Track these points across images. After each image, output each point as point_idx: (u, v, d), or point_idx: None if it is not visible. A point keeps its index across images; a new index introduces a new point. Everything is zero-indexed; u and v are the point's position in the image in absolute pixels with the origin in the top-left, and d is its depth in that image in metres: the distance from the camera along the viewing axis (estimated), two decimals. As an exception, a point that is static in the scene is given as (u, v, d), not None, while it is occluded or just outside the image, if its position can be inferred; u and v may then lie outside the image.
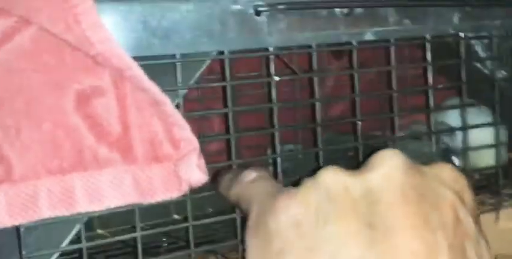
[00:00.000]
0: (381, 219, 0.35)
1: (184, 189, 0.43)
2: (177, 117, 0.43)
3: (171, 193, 0.43)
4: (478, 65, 0.83)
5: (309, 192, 0.37)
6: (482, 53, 0.82)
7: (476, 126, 0.67)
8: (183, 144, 0.43)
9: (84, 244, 0.48)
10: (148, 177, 0.43)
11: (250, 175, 0.43)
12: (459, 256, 0.35)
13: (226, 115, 0.54)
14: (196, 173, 0.43)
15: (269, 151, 0.75)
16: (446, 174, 0.38)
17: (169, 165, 0.43)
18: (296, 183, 0.41)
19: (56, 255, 0.49)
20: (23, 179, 0.41)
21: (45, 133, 0.41)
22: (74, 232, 0.49)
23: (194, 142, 0.43)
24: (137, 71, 0.41)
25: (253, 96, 0.70)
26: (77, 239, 0.49)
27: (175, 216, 0.67)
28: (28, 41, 0.41)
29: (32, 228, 0.46)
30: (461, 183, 0.39)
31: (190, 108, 0.52)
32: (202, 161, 0.43)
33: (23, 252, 0.46)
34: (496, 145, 0.67)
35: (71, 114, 0.42)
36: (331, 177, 0.37)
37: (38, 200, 0.40)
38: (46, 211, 0.41)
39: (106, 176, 0.42)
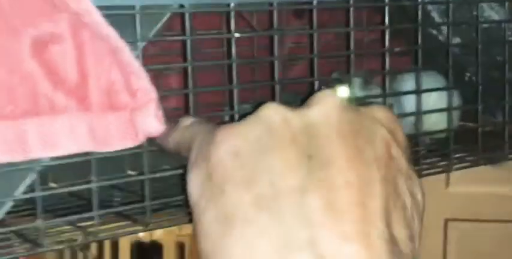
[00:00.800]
0: (319, 151, 0.36)
1: (141, 138, 0.43)
2: (135, 66, 0.42)
3: (127, 143, 0.43)
4: (434, 31, 0.84)
5: (249, 124, 0.38)
6: (438, 19, 0.83)
7: (430, 90, 0.68)
8: (140, 94, 0.43)
9: (38, 193, 0.48)
10: (104, 126, 0.42)
11: (188, 120, 0.44)
12: (391, 190, 0.36)
13: (185, 71, 0.54)
14: (153, 123, 0.43)
15: (227, 109, 0.76)
16: (381, 113, 0.40)
17: (125, 114, 0.43)
18: None
19: (9, 204, 0.49)
20: (-24, 123, 0.40)
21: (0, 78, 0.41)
22: (27, 182, 0.48)
23: (152, 93, 0.43)
24: (96, 16, 0.41)
25: (213, 53, 0.70)
26: (30, 191, 0.48)
27: (130, 172, 0.66)
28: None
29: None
30: (395, 124, 0.40)
31: (148, 63, 0.52)
32: (160, 112, 0.43)
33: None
34: (448, 109, 0.68)
35: (26, 60, 0.41)
36: (272, 111, 0.38)
37: (-9, 145, 0.40)
38: (0, 156, 0.40)
39: (60, 122, 0.41)
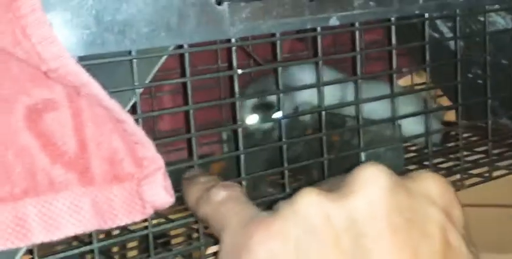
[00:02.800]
0: (367, 255, 0.32)
1: (149, 212, 0.40)
2: (140, 134, 0.39)
3: (134, 217, 0.40)
4: (437, 34, 0.81)
5: (286, 222, 0.34)
6: (441, 24, 0.80)
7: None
8: (146, 163, 0.40)
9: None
10: (109, 199, 0.39)
11: (220, 194, 0.40)
12: None
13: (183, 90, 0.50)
14: (162, 195, 0.39)
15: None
16: (432, 188, 0.36)
17: (131, 186, 0.40)
18: (270, 204, 0.38)
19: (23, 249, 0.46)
20: (-29, 209, 0.37)
21: (-7, 156, 0.37)
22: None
23: (159, 161, 0.40)
24: (95, 88, 0.37)
25: (204, 71, 0.66)
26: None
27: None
28: (-32, 51, 0.37)
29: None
30: (449, 196, 0.36)
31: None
32: (169, 182, 0.40)
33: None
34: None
35: (21, 133, 0.38)
36: (311, 205, 0.34)
37: (-12, 231, 0.37)
38: (-3, 243, 0.37)
39: (62, 201, 0.38)
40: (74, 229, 0.38)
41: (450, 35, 0.79)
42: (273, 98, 0.66)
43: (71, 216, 0.38)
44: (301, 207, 0.34)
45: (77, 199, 0.39)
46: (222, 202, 0.39)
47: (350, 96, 0.68)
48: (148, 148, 0.39)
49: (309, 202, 0.34)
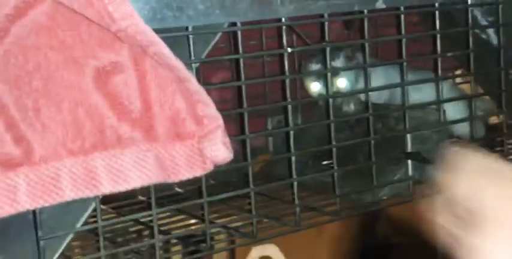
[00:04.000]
0: None
1: (209, 167, 0.42)
2: (201, 93, 0.41)
3: (195, 172, 0.42)
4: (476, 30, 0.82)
5: None
6: (481, 18, 0.81)
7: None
8: (206, 121, 0.42)
9: (100, 224, 0.47)
10: (171, 155, 0.41)
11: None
12: None
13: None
14: (221, 151, 0.42)
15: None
16: None
17: (192, 143, 0.42)
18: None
19: (72, 235, 0.48)
20: (44, 161, 0.39)
21: (66, 113, 0.40)
22: (89, 210, 0.47)
23: (218, 120, 0.42)
24: (162, 47, 0.40)
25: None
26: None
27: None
28: (43, 16, 0.39)
29: (47, 208, 0.44)
30: None
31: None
32: (227, 139, 0.42)
33: (39, 233, 0.45)
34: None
35: (90, 92, 0.40)
36: None
37: (61, 182, 0.39)
38: (69, 193, 0.39)
39: (129, 156, 0.41)
40: (139, 181, 0.41)
41: (490, 30, 0.79)
42: (338, 65, 0.67)
43: (137, 169, 0.41)
44: None
45: (142, 154, 0.41)
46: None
47: (397, 92, 0.69)
48: (209, 106, 0.41)
49: None
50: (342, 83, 0.69)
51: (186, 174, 0.42)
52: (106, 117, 0.41)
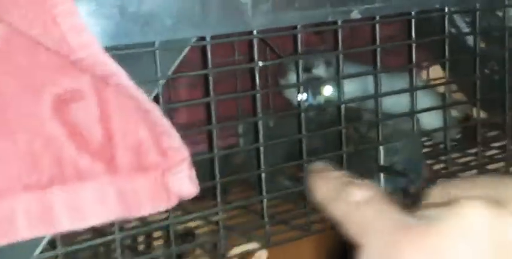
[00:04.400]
0: None
1: (174, 201, 0.40)
2: (165, 125, 0.39)
3: (158, 206, 0.40)
4: (454, 30, 0.81)
5: (449, 237, 0.28)
6: (460, 21, 0.80)
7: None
8: (171, 153, 0.40)
9: (59, 251, 0.45)
10: (134, 189, 0.39)
11: (358, 194, 0.34)
12: None
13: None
14: (187, 185, 0.40)
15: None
16: None
17: (156, 176, 0.40)
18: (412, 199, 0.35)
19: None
20: (-2, 196, 0.37)
21: (21, 144, 0.37)
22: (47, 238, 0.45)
23: (184, 152, 0.40)
24: (123, 78, 0.38)
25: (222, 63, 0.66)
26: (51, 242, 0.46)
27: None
28: (-3, 40, 0.37)
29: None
30: None
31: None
32: (193, 172, 0.40)
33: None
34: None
35: (48, 122, 0.38)
36: (486, 221, 0.28)
37: (16, 221, 0.37)
38: (24, 231, 0.37)
39: (89, 190, 0.38)
40: (99, 218, 0.39)
41: (467, 30, 0.78)
42: (320, 72, 0.66)
43: (98, 205, 0.39)
44: (473, 222, 0.28)
45: (102, 189, 0.39)
46: (362, 203, 0.33)
47: (371, 90, 0.68)
48: (173, 138, 0.39)
49: (483, 218, 0.28)
50: (327, 90, 0.67)
51: (148, 209, 0.40)
52: (65, 148, 0.38)
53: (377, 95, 0.60)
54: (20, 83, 0.38)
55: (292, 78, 0.67)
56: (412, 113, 0.63)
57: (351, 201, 0.34)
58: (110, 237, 0.47)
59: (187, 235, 0.54)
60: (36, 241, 0.45)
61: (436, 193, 0.33)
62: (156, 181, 0.40)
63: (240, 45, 0.72)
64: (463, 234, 0.28)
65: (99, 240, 0.46)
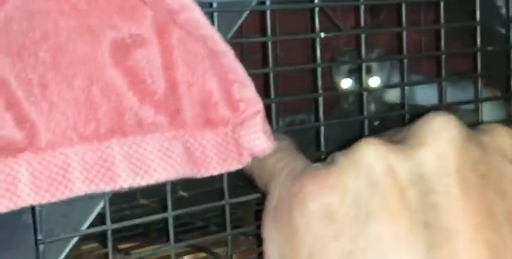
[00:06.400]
0: (437, 215, 0.28)
1: (247, 159, 0.36)
2: (239, 72, 0.35)
3: (230, 165, 0.35)
4: (503, 29, 0.77)
5: (344, 174, 0.30)
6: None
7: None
8: (243, 106, 0.35)
9: (109, 226, 0.40)
10: (201, 146, 0.35)
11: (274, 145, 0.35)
12: None
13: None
14: (261, 140, 0.35)
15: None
16: (507, 143, 0.31)
17: (226, 131, 0.35)
18: (324, 158, 0.33)
19: (76, 238, 0.41)
20: (51, 147, 0.33)
21: (78, 91, 0.33)
22: (97, 210, 0.41)
23: (258, 104, 0.35)
24: (195, 13, 0.33)
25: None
26: (101, 219, 0.41)
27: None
28: (53, -24, 0.33)
29: (48, 206, 0.38)
30: None
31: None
32: (268, 126, 0.36)
33: (39, 237, 0.38)
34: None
35: (107, 67, 0.34)
36: (374, 156, 0.29)
37: (71, 173, 0.32)
38: (81, 186, 0.33)
39: (152, 143, 0.34)
40: (164, 174, 0.34)
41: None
42: (370, 63, 0.62)
43: (161, 159, 0.34)
44: (363, 158, 0.30)
45: (167, 143, 0.34)
46: (270, 153, 0.35)
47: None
48: (247, 88, 0.35)
49: (372, 154, 0.30)
50: (374, 81, 0.64)
51: (218, 168, 0.35)
52: (125, 97, 0.34)
53: (402, 85, 0.56)
54: (77, 25, 0.34)
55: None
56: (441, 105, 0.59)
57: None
58: (161, 215, 0.42)
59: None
60: (83, 216, 0.41)
61: None
62: (226, 137, 0.35)
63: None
64: (357, 170, 0.30)
65: (150, 217, 0.41)
